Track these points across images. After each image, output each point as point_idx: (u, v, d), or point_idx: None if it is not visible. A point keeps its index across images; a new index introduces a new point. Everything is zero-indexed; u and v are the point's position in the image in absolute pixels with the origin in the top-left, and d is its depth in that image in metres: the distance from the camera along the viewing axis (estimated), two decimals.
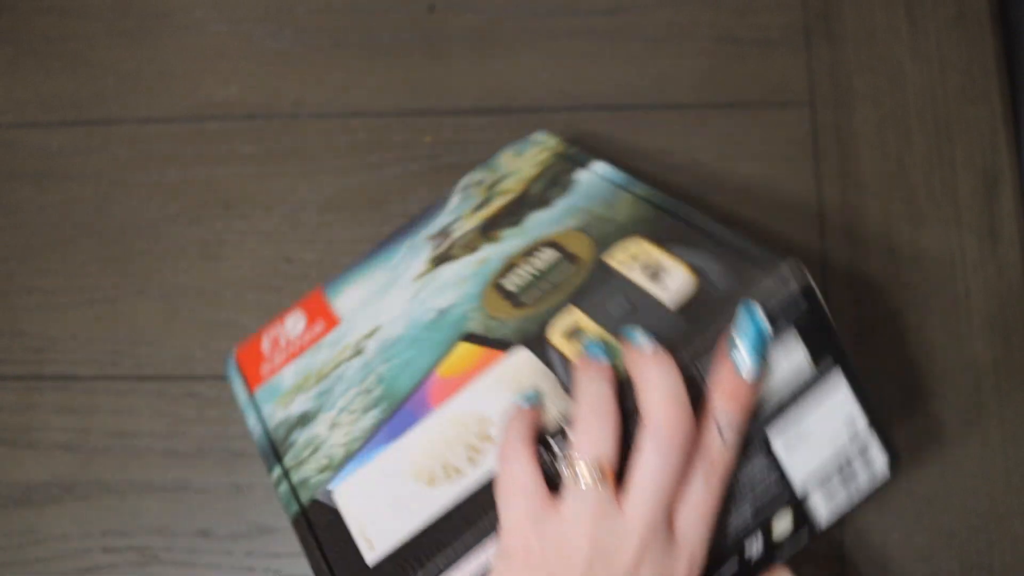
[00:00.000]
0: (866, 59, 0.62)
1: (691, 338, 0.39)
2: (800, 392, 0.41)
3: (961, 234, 0.59)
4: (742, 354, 0.37)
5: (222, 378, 0.59)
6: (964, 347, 0.56)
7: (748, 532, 0.42)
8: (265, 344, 0.55)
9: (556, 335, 0.43)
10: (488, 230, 0.52)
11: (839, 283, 0.58)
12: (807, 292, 0.39)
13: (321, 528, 0.43)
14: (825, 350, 0.41)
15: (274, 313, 0.60)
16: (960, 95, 0.61)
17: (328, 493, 0.45)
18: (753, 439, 0.41)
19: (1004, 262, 0.58)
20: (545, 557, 0.36)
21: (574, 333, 0.42)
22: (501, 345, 0.43)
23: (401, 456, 0.43)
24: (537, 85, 0.64)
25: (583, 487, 0.35)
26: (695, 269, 0.42)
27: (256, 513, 0.57)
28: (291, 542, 0.56)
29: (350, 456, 0.45)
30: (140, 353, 0.60)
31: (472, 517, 0.39)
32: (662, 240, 0.44)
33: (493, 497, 0.39)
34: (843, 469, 0.44)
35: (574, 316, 0.43)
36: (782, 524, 0.43)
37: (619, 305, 0.42)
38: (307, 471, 0.46)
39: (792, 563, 0.54)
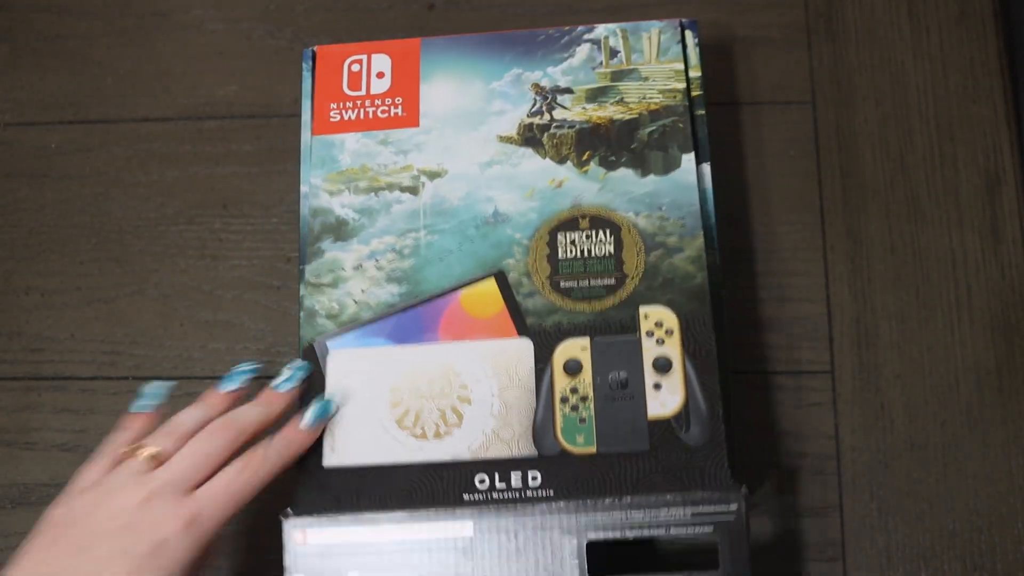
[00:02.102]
0: (867, 58, 0.62)
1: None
2: None
3: (963, 234, 0.58)
4: (306, 417, 0.49)
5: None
6: (966, 348, 0.56)
7: None
8: (345, 72, 0.56)
9: (559, 361, 0.48)
10: (583, 145, 0.53)
11: (840, 282, 0.58)
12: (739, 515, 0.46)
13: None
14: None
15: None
16: (962, 94, 0.61)
17: (324, 348, 0.51)
18: None
19: (1006, 262, 0.58)
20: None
21: (572, 370, 0.48)
22: (519, 317, 0.49)
23: (391, 370, 0.49)
24: None
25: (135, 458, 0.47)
26: (687, 402, 0.47)
27: (254, 514, 0.57)
28: None
29: (356, 322, 0.51)
30: (138, 353, 0.60)
31: (412, 496, 0.46)
32: (691, 348, 0.48)
33: (431, 493, 0.47)
34: None
35: (582, 354, 0.48)
36: None
37: (615, 380, 0.48)
38: (319, 304, 0.52)
39: (793, 564, 0.54)
